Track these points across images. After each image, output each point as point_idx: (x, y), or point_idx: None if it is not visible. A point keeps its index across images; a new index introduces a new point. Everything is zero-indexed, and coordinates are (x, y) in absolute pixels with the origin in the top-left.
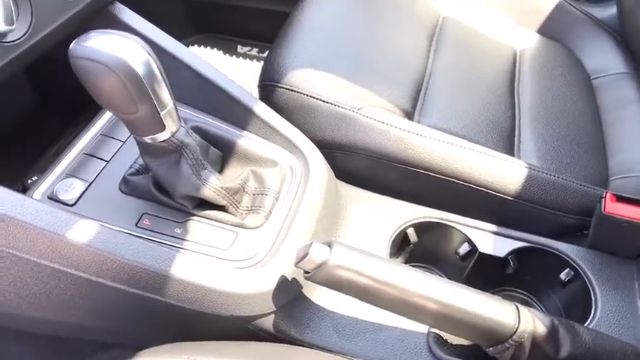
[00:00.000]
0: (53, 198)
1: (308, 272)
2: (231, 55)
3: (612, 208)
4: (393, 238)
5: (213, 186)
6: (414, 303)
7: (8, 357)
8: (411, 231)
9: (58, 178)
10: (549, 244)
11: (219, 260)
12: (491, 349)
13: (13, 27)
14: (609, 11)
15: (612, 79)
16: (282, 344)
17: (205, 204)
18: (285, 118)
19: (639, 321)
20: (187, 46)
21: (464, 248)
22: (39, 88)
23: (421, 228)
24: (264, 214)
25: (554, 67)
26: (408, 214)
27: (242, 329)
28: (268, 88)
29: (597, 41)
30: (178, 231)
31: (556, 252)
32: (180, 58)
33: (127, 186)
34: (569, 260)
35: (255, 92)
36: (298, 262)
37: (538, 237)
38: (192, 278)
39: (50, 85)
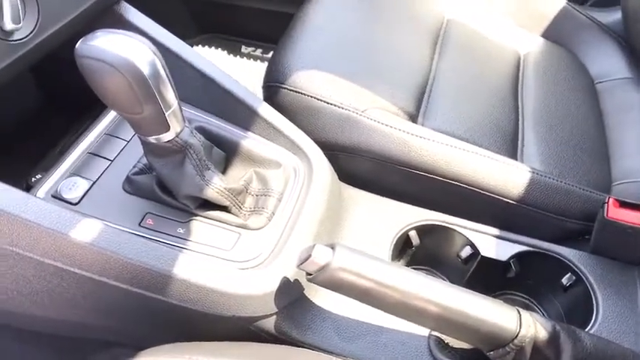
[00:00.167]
0: (57, 197)
1: (310, 274)
2: (235, 56)
3: (615, 213)
4: (395, 241)
5: (216, 186)
6: (416, 306)
7: (9, 355)
8: (413, 233)
9: (62, 176)
10: (551, 248)
11: (222, 261)
12: (492, 353)
13: (20, 25)
14: (614, 16)
15: (616, 84)
16: (283, 345)
17: (208, 204)
18: (289, 120)
19: None
20: (192, 46)
21: (466, 251)
22: (44, 87)
23: (423, 231)
24: (267, 215)
25: (558, 71)
26: (411, 216)
27: (243, 330)
28: (272, 89)
29: (601, 46)
30: (181, 231)
31: (558, 256)
32: (185, 58)
33: (131, 185)
34: (571, 265)
35: (258, 93)
36: (301, 264)
37: (540, 241)
38: (195, 279)
39: (55, 83)
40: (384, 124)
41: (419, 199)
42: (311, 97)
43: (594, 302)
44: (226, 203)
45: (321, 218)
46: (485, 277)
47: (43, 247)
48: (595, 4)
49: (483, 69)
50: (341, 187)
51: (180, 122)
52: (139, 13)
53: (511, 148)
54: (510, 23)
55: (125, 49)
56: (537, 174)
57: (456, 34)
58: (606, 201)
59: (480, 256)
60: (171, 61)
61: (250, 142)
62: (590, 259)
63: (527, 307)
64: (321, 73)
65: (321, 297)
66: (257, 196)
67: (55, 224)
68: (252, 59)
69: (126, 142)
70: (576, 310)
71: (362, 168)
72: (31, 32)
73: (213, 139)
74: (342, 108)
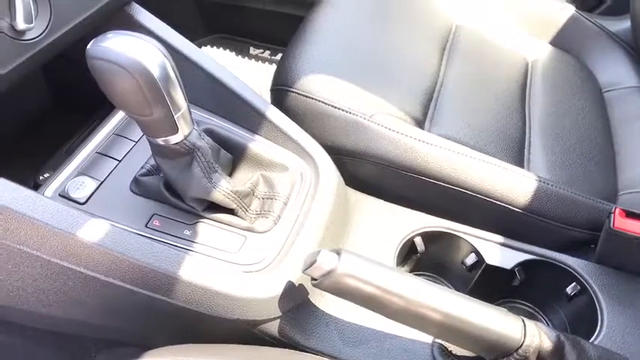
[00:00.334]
0: (64, 196)
1: (315, 279)
2: (244, 57)
3: (621, 223)
4: (400, 247)
5: (223, 189)
6: (421, 313)
7: (13, 352)
8: (418, 240)
9: (70, 176)
10: (556, 257)
11: (227, 264)
12: None
13: (32, 25)
14: (623, 24)
15: (624, 93)
16: (286, 349)
17: (215, 207)
18: (297, 123)
19: None
20: (200, 47)
21: (471, 259)
22: (53, 86)
23: (429, 237)
24: (273, 218)
25: (566, 79)
26: (416, 223)
27: (247, 333)
28: (280, 93)
29: (610, 54)
30: (187, 233)
31: (563, 266)
32: (195, 60)
33: (138, 186)
34: (576, 274)
35: (265, 94)
36: (306, 269)
37: (545, 250)
38: (200, 281)
39: (64, 83)
40: (391, 130)
41: (425, 205)
42: (319, 101)
43: (599, 313)
44: (233, 206)
45: (326, 223)
46: (489, 284)
47: (51, 247)
48: (604, 12)
49: (491, 76)
50: (347, 192)
51: (188, 125)
52: (150, 14)
53: (518, 156)
54: (519, 30)
55: (136, 51)
56: (544, 182)
57: (464, 41)
58: (612, 211)
59: (484, 264)
60: (181, 62)
61: (257, 145)
62: (595, 268)
63: (531, 316)
64: (330, 78)
65: (325, 302)
66: (263, 199)
67: (62, 224)
68: (260, 61)
69: (134, 143)
70: (581, 320)
71: (368, 173)
72: (43, 32)
73: (221, 141)
74: (350, 113)
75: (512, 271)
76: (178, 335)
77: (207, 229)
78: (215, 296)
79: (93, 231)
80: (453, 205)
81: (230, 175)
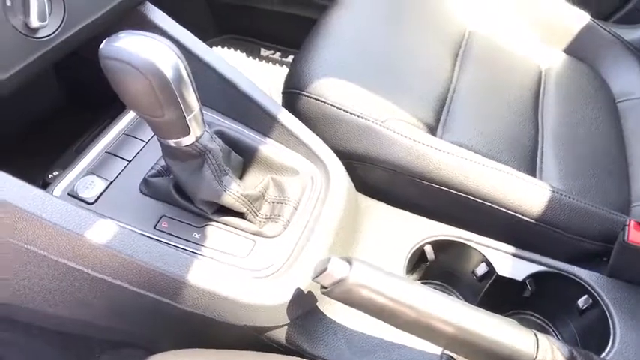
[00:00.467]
0: (73, 195)
1: (325, 287)
2: (254, 58)
3: (636, 236)
4: (410, 255)
5: (233, 193)
6: (432, 325)
7: (17, 349)
8: (428, 248)
9: (79, 175)
10: (568, 269)
11: (236, 268)
12: None
13: (46, 23)
14: (638, 33)
15: (638, 103)
16: (294, 357)
17: (224, 210)
18: (308, 127)
19: None
20: (211, 47)
21: (481, 269)
22: (65, 84)
23: (439, 245)
24: (282, 223)
25: (580, 88)
26: (427, 230)
27: (254, 339)
28: (292, 96)
29: (624, 63)
30: (196, 236)
31: (575, 278)
32: (207, 61)
33: (148, 187)
34: (588, 287)
35: (275, 96)
36: (316, 277)
37: (557, 262)
38: (208, 286)
39: (76, 81)
40: (404, 136)
41: (436, 212)
42: (331, 105)
43: (611, 327)
44: (243, 210)
45: (337, 228)
46: (499, 295)
47: (58, 247)
48: (618, 21)
49: (504, 83)
50: (358, 198)
51: (200, 127)
52: (163, 14)
53: (530, 165)
54: (533, 37)
55: (149, 51)
56: (556, 192)
57: (477, 47)
58: (627, 224)
59: (495, 275)
60: (193, 63)
61: (268, 148)
62: (607, 282)
63: (541, 328)
64: (342, 82)
65: (334, 309)
66: (273, 203)
67: (71, 224)
68: (270, 62)
69: (144, 144)
70: (592, 335)
71: (379, 179)
72: (56, 30)
73: (232, 144)
74: (362, 118)
75: (523, 282)
76: (185, 339)
77: (216, 232)
78: (222, 302)
79: (101, 232)
80: (465, 214)
81: (240, 178)
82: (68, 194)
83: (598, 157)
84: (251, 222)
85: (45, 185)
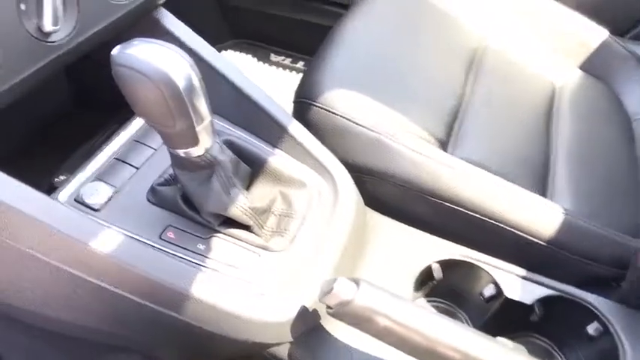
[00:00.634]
0: (79, 201)
1: (331, 307)
2: (264, 63)
3: None
4: (417, 275)
5: (240, 205)
6: (439, 352)
7: (17, 349)
8: (436, 267)
9: (86, 181)
10: (578, 294)
11: (240, 282)
12: None
13: (59, 27)
14: None
15: None
16: None
17: (231, 222)
18: (318, 138)
19: None
20: (221, 51)
21: (489, 290)
22: (75, 86)
23: (447, 264)
24: (288, 237)
25: (594, 106)
26: (436, 249)
27: (256, 354)
28: (303, 106)
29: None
30: (201, 247)
31: (585, 303)
32: (219, 69)
33: (155, 196)
34: (598, 313)
35: (283, 102)
36: (322, 297)
37: (567, 286)
38: (211, 300)
39: (87, 84)
40: (414, 151)
41: (444, 230)
42: (341, 116)
43: (621, 356)
44: (249, 223)
45: (344, 245)
46: (507, 317)
47: (61, 254)
48: (635, 37)
49: (517, 98)
50: (366, 212)
51: (210, 137)
52: (176, 19)
53: (541, 183)
54: (548, 51)
55: (162, 60)
56: (567, 215)
57: (491, 60)
58: None
59: (503, 297)
60: (205, 71)
61: (277, 159)
62: (619, 308)
63: (548, 353)
64: (354, 93)
65: (338, 328)
66: (280, 216)
67: (75, 232)
68: (280, 68)
69: (153, 151)
70: None
71: (388, 194)
72: (69, 34)
73: (241, 153)
74: (372, 130)
75: (531, 305)
76: (187, 350)
77: (222, 244)
78: (225, 316)
79: (105, 241)
80: (474, 233)
81: (248, 188)
82: (74, 200)
83: (611, 177)
84: (257, 235)
85: (51, 189)
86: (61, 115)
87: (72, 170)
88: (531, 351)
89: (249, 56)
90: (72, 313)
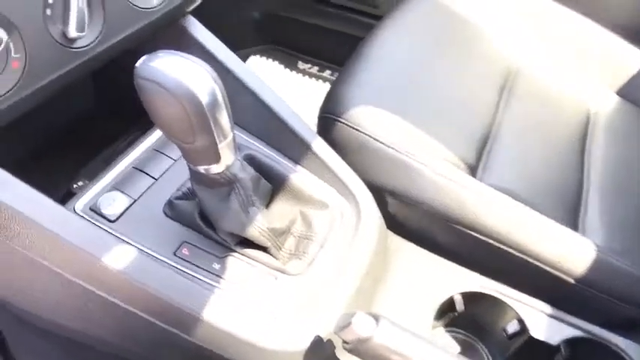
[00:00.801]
0: (95, 210)
1: (347, 342)
2: (291, 70)
3: None
4: (439, 306)
5: (258, 226)
6: None
7: (25, 347)
8: (458, 298)
9: (104, 189)
10: (607, 336)
11: (253, 306)
12: None
13: (84, 34)
14: None
15: None
16: None
17: (248, 242)
18: (341, 155)
19: None
20: (249, 56)
21: (513, 326)
22: (101, 91)
23: (470, 297)
24: (306, 260)
25: (631, 135)
26: (459, 279)
27: None
28: (328, 121)
29: None
30: (216, 267)
31: (613, 347)
32: (245, 81)
33: (172, 210)
34: (627, 358)
35: (307, 111)
36: (339, 331)
37: (595, 327)
38: (224, 325)
39: (112, 88)
40: (442, 175)
41: (468, 259)
42: (367, 135)
43: None
44: (267, 244)
45: (364, 271)
46: (529, 356)
47: (73, 267)
48: None
49: (550, 123)
50: (387, 236)
51: (232, 154)
52: (203, 28)
53: (572, 214)
54: (583, 75)
55: (185, 74)
56: (599, 251)
57: (524, 83)
58: None
59: (528, 335)
60: (230, 82)
61: (299, 177)
62: None
63: None
64: (381, 111)
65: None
66: (299, 237)
67: (87, 245)
68: (307, 76)
69: (173, 162)
70: None
71: (411, 218)
72: (94, 41)
73: (262, 169)
74: (399, 152)
75: (557, 345)
76: None
77: (237, 264)
78: (237, 342)
79: (118, 256)
80: (499, 264)
81: (267, 205)
82: (90, 208)
83: None
84: (274, 256)
85: (69, 194)
86: (85, 120)
87: (91, 176)
88: None
89: (277, 62)
90: (83, 324)
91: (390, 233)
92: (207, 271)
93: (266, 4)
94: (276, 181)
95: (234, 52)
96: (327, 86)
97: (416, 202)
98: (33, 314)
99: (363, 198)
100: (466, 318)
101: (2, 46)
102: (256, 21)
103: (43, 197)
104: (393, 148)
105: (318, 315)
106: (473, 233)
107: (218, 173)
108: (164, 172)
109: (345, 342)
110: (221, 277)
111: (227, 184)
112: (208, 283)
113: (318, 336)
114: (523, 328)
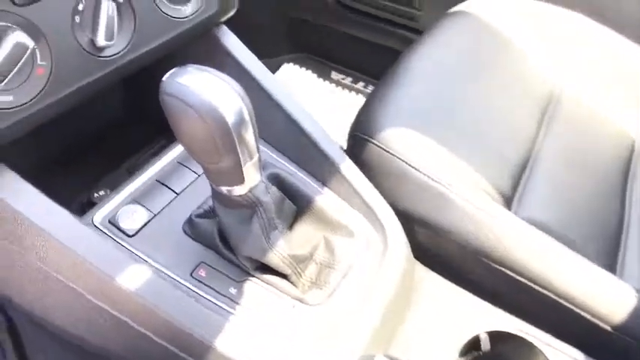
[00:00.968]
0: (114, 223)
1: None
2: (324, 80)
3: None
4: (463, 344)
5: (280, 252)
6: None
7: (38, 346)
8: (484, 337)
9: (124, 202)
10: None
11: (269, 337)
12: None
13: (113, 42)
14: None
15: None
16: None
17: (267, 267)
18: (370, 177)
19: None
20: (282, 64)
21: None
22: (130, 99)
23: (497, 336)
24: (327, 291)
25: None
26: (486, 317)
27: None
28: (359, 141)
29: None
30: (233, 292)
31: None
32: (274, 96)
33: (191, 228)
34: None
35: (337, 125)
36: None
37: None
38: (237, 356)
39: (141, 97)
40: (475, 206)
41: (497, 296)
42: (398, 158)
43: None
44: (287, 271)
45: (387, 305)
46: None
47: (87, 283)
48: None
49: (591, 154)
50: (414, 267)
51: (256, 176)
52: (236, 38)
53: (610, 256)
54: (629, 102)
55: (212, 93)
56: (638, 298)
57: (565, 109)
58: None
59: None
60: (259, 97)
61: (325, 200)
62: None
63: None
64: (414, 133)
65: None
66: (321, 265)
67: (102, 263)
68: (340, 87)
69: (196, 176)
70: None
71: (440, 249)
72: (123, 50)
73: (287, 189)
74: (432, 179)
75: None
76: None
77: (255, 290)
78: None
79: (132, 276)
80: (530, 304)
81: (291, 227)
82: (109, 221)
83: None
84: (294, 284)
85: (89, 204)
86: (115, 127)
87: (112, 186)
88: None
89: (310, 72)
90: (94, 337)
91: (417, 263)
92: (223, 295)
93: (301, 13)
94: (301, 202)
95: (268, 60)
96: (360, 98)
97: (446, 232)
98: (46, 321)
99: (391, 227)
100: (491, 358)
101: (28, 52)
102: (291, 28)
103: (60, 209)
104: (425, 174)
105: (336, 349)
106: (503, 269)
107: (241, 195)
108: (186, 187)
109: None
110: (237, 303)
111: (250, 206)
112: (223, 309)
113: None
114: None
